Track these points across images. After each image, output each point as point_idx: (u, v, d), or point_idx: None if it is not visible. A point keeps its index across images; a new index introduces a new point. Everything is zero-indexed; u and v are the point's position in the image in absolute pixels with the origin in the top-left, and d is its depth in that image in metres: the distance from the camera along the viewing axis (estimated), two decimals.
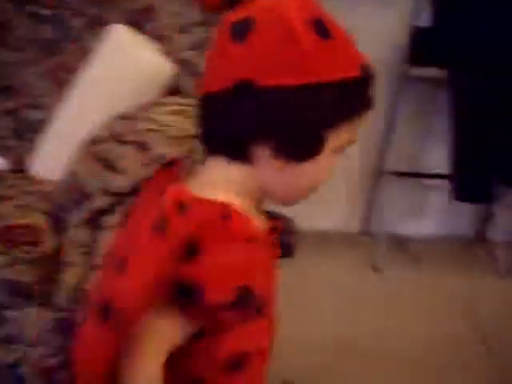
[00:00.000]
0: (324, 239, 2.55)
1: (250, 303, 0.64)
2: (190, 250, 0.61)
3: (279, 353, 0.82)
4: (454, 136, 2.06)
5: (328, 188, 2.83)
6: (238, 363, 0.68)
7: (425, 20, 2.17)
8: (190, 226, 0.61)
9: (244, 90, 0.64)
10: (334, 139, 0.67)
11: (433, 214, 2.57)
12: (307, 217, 2.55)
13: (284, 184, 0.70)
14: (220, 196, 0.65)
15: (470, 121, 1.98)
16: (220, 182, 0.69)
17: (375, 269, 2.26)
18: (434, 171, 2.49)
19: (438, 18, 2.12)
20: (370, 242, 2.43)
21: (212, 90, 0.67)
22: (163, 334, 0.64)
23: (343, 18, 0.74)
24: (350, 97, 0.66)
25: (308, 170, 0.68)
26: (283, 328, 0.81)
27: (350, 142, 0.71)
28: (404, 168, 2.53)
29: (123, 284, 0.60)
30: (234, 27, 0.65)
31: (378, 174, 2.45)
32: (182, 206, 0.61)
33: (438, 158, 2.37)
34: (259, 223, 0.71)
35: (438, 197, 2.47)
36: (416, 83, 2.34)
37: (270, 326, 0.74)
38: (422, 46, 2.13)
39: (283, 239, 2.67)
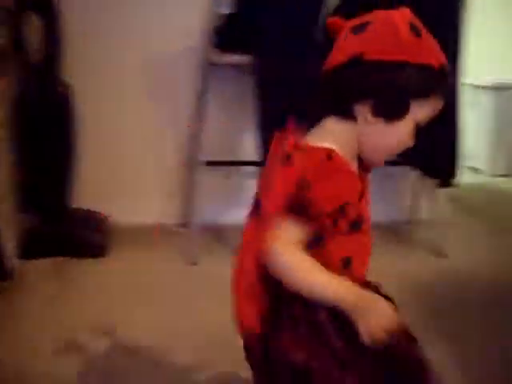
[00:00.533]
0: (143, 233, 2.48)
1: (349, 215, 0.90)
2: (304, 180, 0.87)
3: None
4: (257, 122, 2.10)
5: (144, 181, 2.77)
6: (345, 264, 0.95)
7: (227, 6, 2.19)
8: (305, 161, 0.88)
9: (354, 62, 0.89)
10: (416, 110, 0.93)
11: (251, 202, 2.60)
12: (126, 212, 2.47)
13: (375, 139, 0.95)
14: (326, 145, 0.91)
15: (267, 106, 2.04)
16: (328, 135, 0.94)
17: (190, 262, 2.23)
18: (249, 159, 2.52)
19: (238, 4, 2.15)
20: (187, 233, 2.40)
21: (332, 64, 0.93)
22: (291, 229, 0.90)
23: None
24: (430, 80, 0.92)
25: (394, 131, 0.94)
26: None
27: (426, 118, 0.95)
28: (219, 157, 2.53)
29: (268, 197, 0.93)
30: (354, 27, 0.93)
31: (193, 165, 2.42)
32: (299, 147, 0.90)
33: (251, 144, 2.38)
34: (353, 167, 0.96)
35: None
36: (224, 70, 2.35)
37: (367, 239, 1.00)
38: (225, 32, 2.14)
39: (94, 239, 2.49)
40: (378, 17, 0.94)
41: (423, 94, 0.93)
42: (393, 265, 2.21)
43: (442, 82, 0.95)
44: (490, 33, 4.48)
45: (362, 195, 0.96)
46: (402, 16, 0.92)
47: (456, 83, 2.24)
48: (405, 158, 2.30)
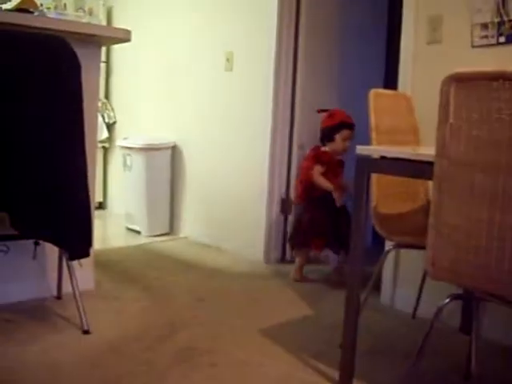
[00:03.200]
0: None
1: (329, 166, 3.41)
2: (319, 156, 3.38)
3: None
4: None
5: None
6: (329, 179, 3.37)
7: None
8: (318, 151, 3.41)
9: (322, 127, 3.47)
10: (338, 136, 3.31)
11: None
12: None
13: (334, 148, 3.34)
14: (325, 149, 3.37)
15: None
16: (326, 146, 3.38)
17: None
18: None
19: None
20: None
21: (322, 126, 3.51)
22: (316, 168, 3.35)
23: None
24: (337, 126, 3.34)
25: (335, 144, 3.34)
26: None
27: (345, 138, 3.33)
28: None
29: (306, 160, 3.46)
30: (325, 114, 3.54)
31: None
32: (314, 148, 3.45)
33: None
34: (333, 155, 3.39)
35: None
36: None
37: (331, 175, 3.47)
38: None
39: None
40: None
41: (336, 131, 3.29)
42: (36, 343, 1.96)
43: (342, 126, 3.29)
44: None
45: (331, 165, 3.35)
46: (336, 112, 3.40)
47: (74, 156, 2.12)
48: (33, 232, 2.08)
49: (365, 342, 2.36)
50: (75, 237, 2.17)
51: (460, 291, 2.16)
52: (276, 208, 3.68)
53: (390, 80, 3.71)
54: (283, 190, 3.71)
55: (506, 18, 2.43)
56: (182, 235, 4.28)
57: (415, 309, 2.71)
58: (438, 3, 2.70)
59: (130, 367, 2.04)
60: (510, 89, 1.34)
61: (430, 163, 1.55)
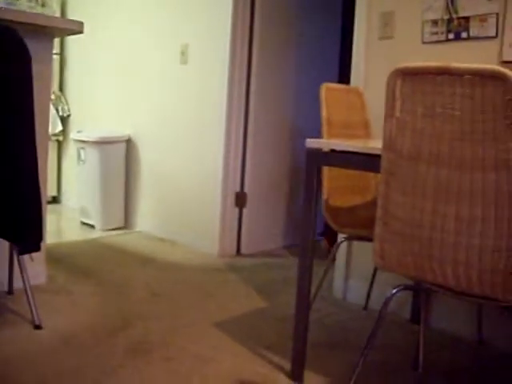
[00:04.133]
0: None
1: None
2: None
3: None
4: None
5: None
6: None
7: None
8: None
9: None
10: None
11: None
12: None
13: None
14: None
15: None
16: None
17: None
18: None
19: None
20: None
21: None
22: None
23: None
24: None
25: None
26: None
27: None
28: None
29: None
30: None
31: None
32: None
33: None
34: None
35: None
36: None
37: None
38: None
39: None
40: None
41: None
42: None
43: None
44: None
45: None
46: None
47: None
48: None
49: (317, 335, 2.40)
50: (25, 231, 2.14)
51: (412, 282, 2.22)
52: (231, 201, 3.69)
53: (344, 76, 3.76)
54: (238, 183, 3.71)
55: (454, 16, 2.49)
56: (136, 229, 4.25)
57: (367, 301, 2.77)
58: (390, 0, 2.75)
59: (82, 361, 2.03)
60: (454, 84, 1.37)
61: (378, 156, 1.58)
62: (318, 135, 2.34)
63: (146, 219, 4.20)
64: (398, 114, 1.48)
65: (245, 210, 3.75)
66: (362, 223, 2.27)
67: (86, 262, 3.32)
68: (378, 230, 1.59)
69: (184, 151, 3.89)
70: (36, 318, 2.28)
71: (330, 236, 3.53)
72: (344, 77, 3.81)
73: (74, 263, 3.26)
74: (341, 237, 2.52)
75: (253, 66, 3.66)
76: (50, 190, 4.73)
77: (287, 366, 2.09)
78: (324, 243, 3.77)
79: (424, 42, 2.61)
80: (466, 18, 2.45)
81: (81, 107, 4.90)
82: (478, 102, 1.33)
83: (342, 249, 2.96)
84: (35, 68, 2.18)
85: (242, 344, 2.28)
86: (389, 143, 1.52)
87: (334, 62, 4.25)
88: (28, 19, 2.33)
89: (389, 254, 1.58)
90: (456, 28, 2.49)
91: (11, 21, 2.25)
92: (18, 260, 2.30)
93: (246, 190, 3.73)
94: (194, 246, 3.79)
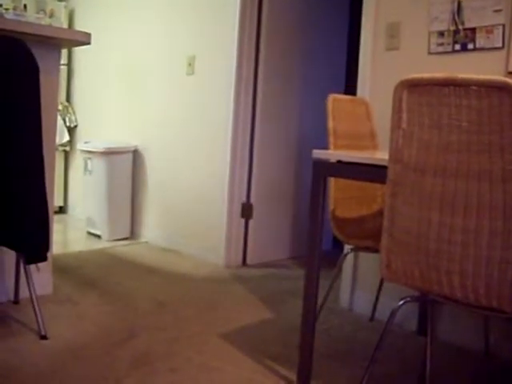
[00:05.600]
0: None
1: None
2: None
3: None
4: None
5: None
6: None
7: None
8: None
9: None
10: None
11: None
12: None
13: None
14: None
15: None
16: None
17: None
18: None
19: None
20: None
21: None
22: None
23: None
24: None
25: None
26: None
27: None
28: None
29: None
30: None
31: None
32: None
33: None
34: None
35: None
36: None
37: None
38: None
39: None
40: None
41: None
42: None
43: None
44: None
45: None
46: None
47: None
48: None
49: (323, 345, 2.39)
50: (32, 241, 2.14)
51: (418, 294, 2.20)
52: (237, 212, 3.69)
53: (351, 87, 3.76)
54: (244, 194, 3.71)
55: (460, 27, 2.49)
56: (142, 240, 4.25)
57: (373, 312, 2.75)
58: (396, 11, 2.75)
59: (87, 372, 2.02)
60: (460, 95, 1.37)
61: (385, 167, 1.58)
62: (325, 146, 2.34)
63: (153, 230, 4.20)
64: (404, 125, 1.48)
65: (251, 221, 3.75)
66: (368, 234, 2.26)
67: (92, 272, 3.32)
68: (384, 241, 1.58)
69: (190, 162, 3.89)
70: (42, 328, 2.28)
71: None
72: (350, 88, 3.82)
73: (80, 273, 3.26)
74: (347, 248, 2.51)
75: (259, 77, 3.67)
76: (56, 200, 4.75)
77: (293, 377, 2.08)
78: None
79: (430, 53, 2.61)
80: (473, 29, 2.45)
81: (88, 118, 4.92)
82: (485, 113, 1.33)
83: (349, 260, 2.95)
84: (43, 79, 2.19)
85: (247, 355, 2.27)
86: (395, 154, 1.52)
87: (340, 73, 4.26)
88: (36, 30, 2.35)
89: (395, 266, 1.58)
90: (462, 39, 2.49)
91: (20, 32, 2.27)
92: (25, 270, 2.30)
93: (252, 200, 3.73)
94: (200, 257, 3.78)
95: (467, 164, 1.37)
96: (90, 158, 4.21)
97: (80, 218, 4.79)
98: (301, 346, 2.02)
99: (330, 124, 2.29)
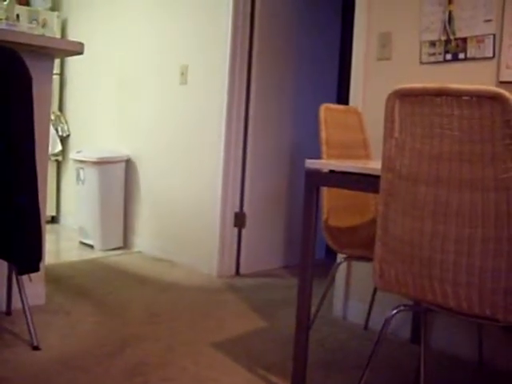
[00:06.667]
0: None
1: None
2: None
3: None
4: None
5: None
6: None
7: None
8: None
9: None
10: None
11: None
12: None
13: None
14: None
15: None
16: None
17: None
18: None
19: None
20: None
21: None
22: None
23: None
24: None
25: None
26: None
27: None
28: None
29: None
30: None
31: None
32: None
33: None
34: None
35: None
36: None
37: None
38: None
39: None
40: None
41: None
42: None
43: None
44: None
45: None
46: None
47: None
48: None
49: (317, 355, 2.38)
50: (24, 251, 2.13)
51: (411, 302, 2.21)
52: (230, 221, 3.69)
53: (343, 97, 3.78)
54: (237, 203, 3.71)
55: (451, 37, 2.51)
56: (135, 249, 4.24)
57: (367, 320, 2.75)
58: (388, 21, 2.78)
59: (80, 383, 2.01)
60: (452, 105, 1.38)
61: (378, 177, 1.58)
62: (318, 156, 2.35)
63: (145, 239, 4.19)
64: (396, 134, 1.49)
65: (244, 231, 3.75)
66: (361, 243, 2.27)
67: (84, 282, 3.31)
68: (377, 250, 1.59)
69: (183, 171, 3.89)
70: (34, 339, 2.26)
71: None
72: (343, 97, 3.83)
73: (72, 283, 3.25)
74: (340, 257, 2.51)
75: (252, 87, 3.68)
76: (49, 209, 4.73)
77: None
78: None
79: (422, 63, 2.63)
80: (464, 39, 2.47)
81: (80, 127, 4.91)
82: (477, 122, 1.34)
83: (342, 269, 2.95)
84: (35, 88, 2.19)
85: (241, 364, 2.26)
86: (388, 164, 1.52)
87: (332, 83, 4.28)
88: (29, 40, 2.35)
89: (388, 274, 1.58)
90: (454, 49, 2.51)
91: (12, 42, 2.27)
92: (17, 280, 2.29)
93: (245, 210, 3.73)
94: (193, 267, 3.78)
95: (459, 173, 1.38)
96: (82, 168, 4.20)
97: (73, 227, 4.78)
98: (295, 355, 2.02)
99: (323, 133, 2.30)
